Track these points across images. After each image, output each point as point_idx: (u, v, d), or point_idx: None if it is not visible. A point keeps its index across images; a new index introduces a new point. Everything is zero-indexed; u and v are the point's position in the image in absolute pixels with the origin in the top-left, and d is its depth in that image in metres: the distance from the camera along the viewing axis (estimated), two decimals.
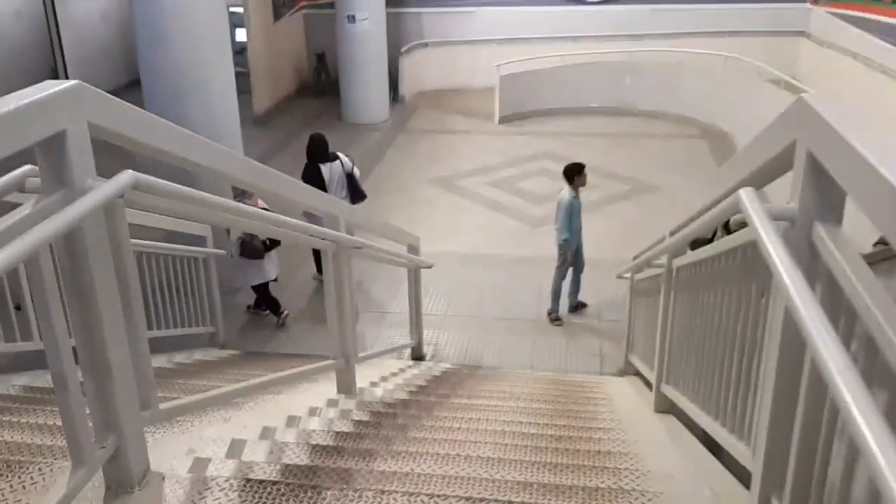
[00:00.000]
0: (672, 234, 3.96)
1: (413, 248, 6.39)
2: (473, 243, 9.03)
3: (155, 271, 5.42)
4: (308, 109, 14.61)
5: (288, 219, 3.24)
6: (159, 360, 5.25)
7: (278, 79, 14.67)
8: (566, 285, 7.46)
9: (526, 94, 13.65)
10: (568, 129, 13.12)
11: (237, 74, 14.94)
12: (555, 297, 7.41)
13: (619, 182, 10.77)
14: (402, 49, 14.81)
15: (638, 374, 5.61)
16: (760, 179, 2.01)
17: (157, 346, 5.66)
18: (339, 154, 7.96)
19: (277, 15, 14.52)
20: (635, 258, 5.88)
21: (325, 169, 7.63)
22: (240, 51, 14.69)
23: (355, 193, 7.92)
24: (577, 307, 7.59)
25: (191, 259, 6.07)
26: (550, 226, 9.43)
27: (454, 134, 13.15)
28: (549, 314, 7.41)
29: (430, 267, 6.61)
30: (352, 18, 12.98)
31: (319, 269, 6.76)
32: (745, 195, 1.75)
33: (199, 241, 6.23)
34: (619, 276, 6.38)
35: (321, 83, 15.41)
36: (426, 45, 15.45)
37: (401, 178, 11.08)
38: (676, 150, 12.08)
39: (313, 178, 7.48)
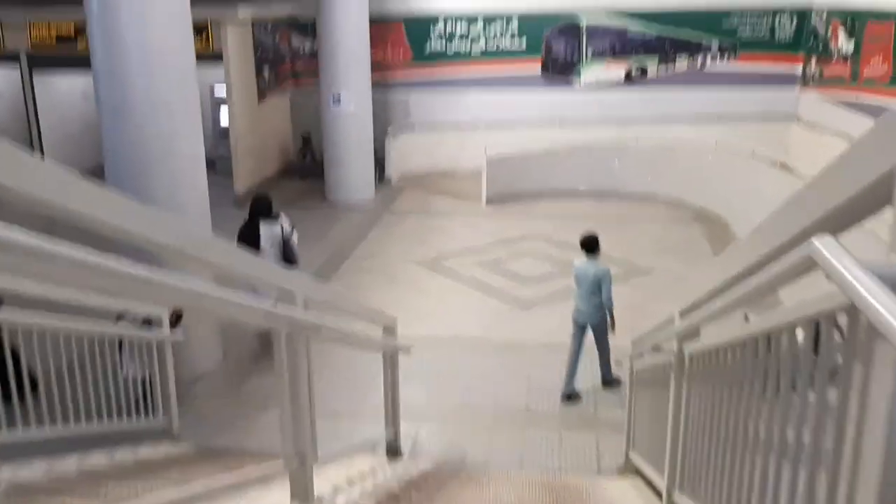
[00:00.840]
0: (683, 314, 3.44)
1: (389, 331, 5.82)
2: (459, 326, 8.48)
3: (98, 356, 4.83)
4: (291, 190, 14.27)
5: (211, 289, 2.68)
6: (98, 458, 4.59)
7: (262, 159, 14.39)
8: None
9: (514, 176, 13.39)
10: (556, 212, 12.79)
11: (221, 158, 14.82)
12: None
13: (610, 264, 10.29)
14: (389, 130, 14.63)
15: (640, 472, 5.01)
16: (837, 222, 1.48)
17: (100, 440, 5.02)
18: (282, 214, 7.90)
19: (262, 95, 14.37)
20: (634, 343, 5.34)
21: (265, 228, 7.48)
22: (224, 133, 14.52)
23: (288, 259, 7.75)
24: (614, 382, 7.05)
25: (141, 342, 5.48)
26: (539, 308, 8.95)
27: (441, 215, 12.80)
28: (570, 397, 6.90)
29: (408, 351, 6.03)
30: (336, 99, 12.81)
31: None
32: (825, 245, 1.24)
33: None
34: (617, 363, 5.82)
35: (306, 164, 15.15)
36: (413, 127, 15.30)
37: (384, 259, 10.61)
38: (669, 233, 11.72)
39: (249, 235, 7.44)
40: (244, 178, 13.57)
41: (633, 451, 5.41)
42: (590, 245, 7.02)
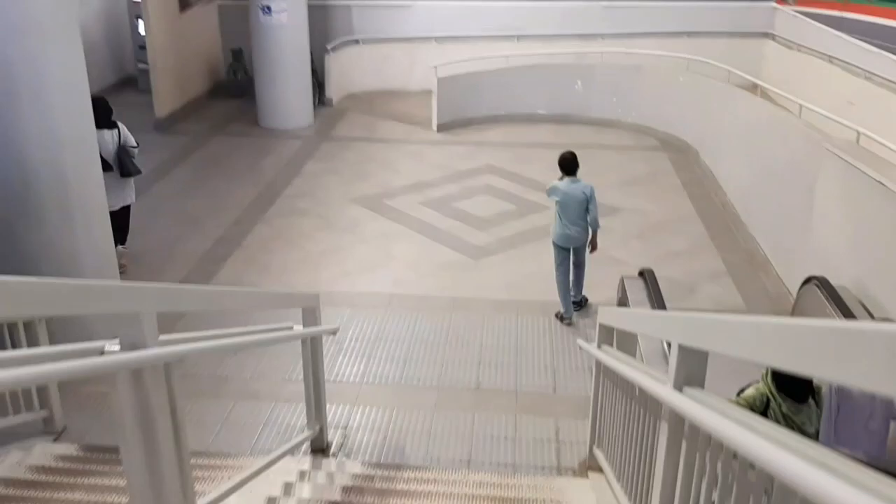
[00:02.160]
0: (685, 351, 2.49)
1: (310, 312, 4.80)
2: (402, 281, 7.49)
3: None
4: (221, 113, 12.86)
5: None
6: None
7: (187, 78, 12.85)
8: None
9: (467, 99, 12.16)
10: (513, 139, 11.68)
11: (143, 73, 13.23)
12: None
13: None
14: (329, 46, 13.15)
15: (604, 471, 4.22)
16: None
17: None
18: (120, 124, 7.34)
19: (184, 5, 12.70)
20: (602, 327, 4.42)
21: (100, 135, 6.57)
22: (142, 45, 12.89)
23: (127, 171, 7.34)
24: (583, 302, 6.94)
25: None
26: (494, 257, 8.00)
27: (386, 143, 11.57)
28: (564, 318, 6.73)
29: (333, 333, 5.03)
30: (267, 10, 11.29)
31: None
32: None
33: None
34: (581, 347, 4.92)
35: (238, 83, 13.64)
36: (357, 41, 13.82)
37: (321, 197, 9.46)
38: (635, 163, 10.75)
39: None
40: (166, 99, 12.10)
41: (597, 447, 4.60)
42: (571, 165, 6.64)
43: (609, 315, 4.40)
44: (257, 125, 12.09)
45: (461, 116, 12.09)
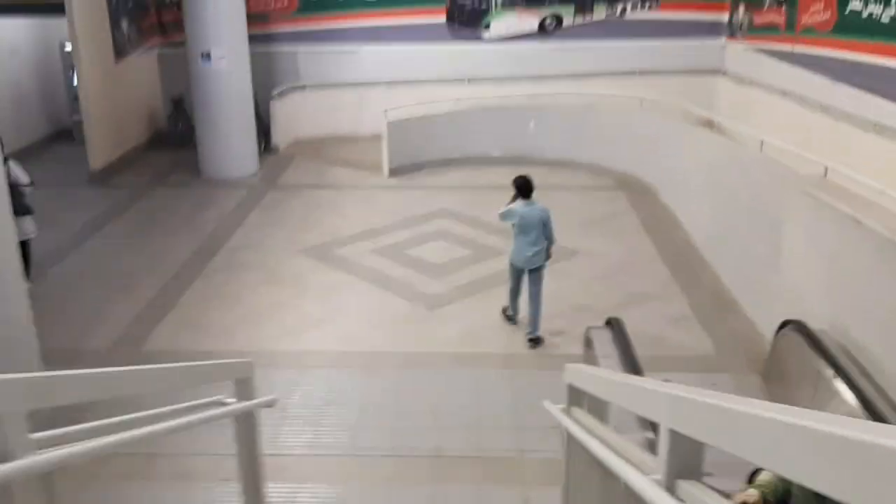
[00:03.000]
0: (675, 433, 2.06)
1: (243, 384, 4.25)
2: (352, 336, 6.96)
3: None
4: (161, 164, 12.29)
5: None
6: None
7: (123, 128, 12.28)
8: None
9: (419, 143, 11.81)
10: (467, 182, 11.33)
11: (78, 125, 12.59)
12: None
13: None
14: (275, 92, 12.74)
15: None
16: None
17: None
18: (11, 161, 7.14)
19: (120, 53, 12.18)
20: (572, 389, 3.96)
21: None
22: (77, 97, 12.29)
23: (22, 210, 7.08)
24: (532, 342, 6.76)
25: None
26: (450, 307, 7.53)
27: (335, 189, 11.11)
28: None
29: (270, 405, 4.48)
30: (206, 57, 10.85)
31: None
32: None
33: None
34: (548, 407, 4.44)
35: (179, 132, 13.09)
36: (303, 87, 13.44)
37: (266, 249, 8.91)
38: (593, 204, 10.45)
39: None
40: (101, 150, 11.50)
41: None
42: (528, 187, 6.70)
43: (578, 376, 3.95)
44: (199, 176, 11.54)
45: (413, 160, 11.72)
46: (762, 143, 7.16)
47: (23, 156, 10.65)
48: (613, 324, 5.11)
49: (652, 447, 3.91)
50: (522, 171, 11.61)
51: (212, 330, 7.03)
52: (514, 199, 6.66)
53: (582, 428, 3.61)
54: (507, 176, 11.47)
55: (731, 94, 12.52)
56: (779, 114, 10.35)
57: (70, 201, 10.47)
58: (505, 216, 6.71)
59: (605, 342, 4.98)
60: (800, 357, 5.04)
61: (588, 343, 5.30)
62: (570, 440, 4.04)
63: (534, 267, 6.68)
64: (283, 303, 7.56)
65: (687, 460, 2.03)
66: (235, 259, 8.59)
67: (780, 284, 6.13)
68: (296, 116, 13.18)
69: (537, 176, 11.44)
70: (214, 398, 4.19)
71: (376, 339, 6.90)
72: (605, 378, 3.32)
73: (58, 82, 13.69)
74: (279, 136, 12.77)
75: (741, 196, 7.20)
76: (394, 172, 11.52)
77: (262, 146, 12.32)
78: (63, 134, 13.80)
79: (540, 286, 6.78)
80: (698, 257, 8.37)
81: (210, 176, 11.39)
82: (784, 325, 5.38)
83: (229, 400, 4.24)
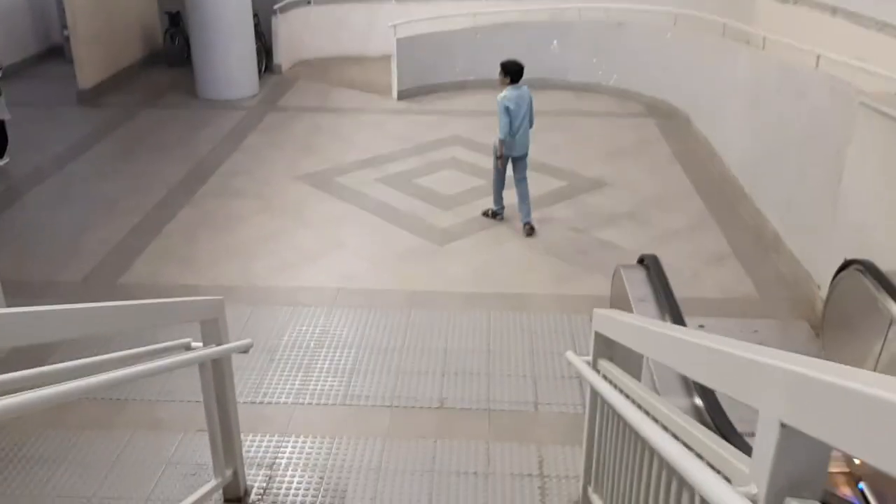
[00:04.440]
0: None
1: (212, 326, 3.57)
2: (353, 273, 6.28)
3: None
4: (156, 83, 11.49)
5: None
6: None
7: (116, 45, 11.44)
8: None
9: (431, 63, 10.89)
10: (483, 107, 10.40)
11: (67, 40, 11.75)
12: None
13: (551, 176, 8.19)
14: (277, 7, 11.78)
15: None
16: None
17: None
18: None
19: None
20: (599, 338, 3.26)
21: None
22: None
23: None
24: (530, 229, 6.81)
25: None
26: (460, 241, 6.82)
27: (340, 113, 10.29)
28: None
29: (245, 351, 3.81)
30: None
31: None
32: None
33: None
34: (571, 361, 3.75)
35: (176, 50, 12.23)
36: (308, 2, 12.45)
37: (261, 175, 8.18)
38: (620, 131, 9.59)
39: None
40: (91, 68, 10.70)
41: (593, 489, 3.48)
42: (519, 70, 6.59)
43: (609, 323, 3.24)
44: (195, 96, 10.74)
45: (425, 83, 10.83)
46: (818, 58, 6.25)
47: (10, 74, 9.90)
48: (648, 262, 4.38)
49: (700, 416, 3.18)
50: (544, 94, 10.82)
51: (197, 262, 6.38)
52: (504, 83, 6.55)
53: (613, 387, 2.92)
54: None
55: (772, 14, 11.39)
56: (826, 34, 9.31)
57: (55, 122, 9.75)
58: (505, 103, 6.49)
59: (638, 283, 4.25)
60: (865, 301, 4.30)
61: (617, 284, 4.58)
62: (596, 398, 3.38)
63: (525, 152, 6.75)
64: (277, 234, 6.88)
65: (804, 472, 1.35)
66: (228, 185, 7.88)
67: (838, 219, 5.34)
68: (299, 35, 12.25)
69: (560, 102, 10.65)
70: (181, 341, 3.55)
71: (379, 276, 6.22)
72: (648, 331, 2.59)
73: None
74: (281, 56, 11.89)
75: (793, 120, 6.34)
76: (403, 95, 10.65)
77: (263, 66, 11.46)
78: (54, 51, 13.00)
79: (527, 184, 6.85)
80: (737, 190, 7.55)
81: (207, 97, 10.60)
82: (846, 265, 4.62)
83: (197, 344, 3.60)
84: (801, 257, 6.07)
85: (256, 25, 11.01)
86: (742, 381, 1.49)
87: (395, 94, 10.66)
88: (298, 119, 9.96)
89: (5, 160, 8.10)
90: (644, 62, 10.47)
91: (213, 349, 3.53)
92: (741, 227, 7.01)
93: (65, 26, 11.87)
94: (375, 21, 12.21)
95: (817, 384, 1.11)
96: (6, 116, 7.86)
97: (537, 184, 7.97)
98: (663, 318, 3.94)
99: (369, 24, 12.42)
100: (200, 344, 3.57)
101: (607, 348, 3.41)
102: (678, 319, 3.78)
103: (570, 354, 3.72)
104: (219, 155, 8.65)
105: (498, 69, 6.71)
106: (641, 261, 4.53)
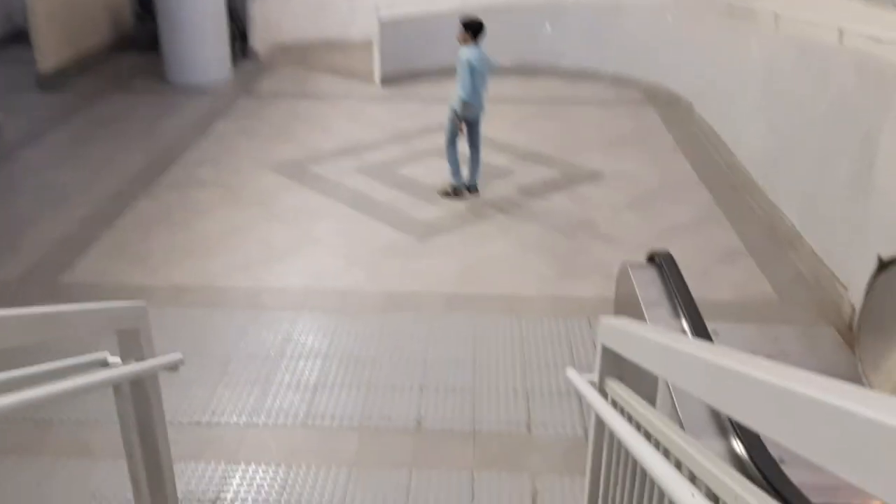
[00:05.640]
0: None
1: (131, 337, 2.91)
2: (323, 271, 5.63)
3: None
4: (123, 68, 10.78)
5: None
6: None
7: (80, 26, 10.70)
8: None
9: (416, 47, 10.21)
10: None
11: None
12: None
13: (544, 166, 7.56)
14: None
15: None
16: None
17: None
18: None
19: None
20: (605, 347, 2.63)
21: None
22: None
23: None
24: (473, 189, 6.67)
25: None
26: (444, 235, 6.17)
27: (318, 99, 9.61)
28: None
29: (174, 368, 3.15)
30: None
31: None
32: None
33: None
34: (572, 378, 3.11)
35: (147, 33, 11.48)
36: None
37: (228, 163, 7.51)
38: (618, 120, 8.96)
39: None
40: (52, 51, 9.97)
41: None
42: (481, 26, 6.32)
43: (619, 336, 2.61)
44: (164, 81, 10.03)
45: (409, 68, 10.16)
46: (841, 32, 5.60)
47: None
48: (660, 260, 3.75)
49: (742, 466, 2.55)
50: (537, 81, 10.20)
51: (150, 259, 5.70)
52: (466, 41, 6.27)
53: (625, 417, 2.29)
54: (517, 88, 10.05)
55: None
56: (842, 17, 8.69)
57: (12, 107, 9.01)
58: (470, 62, 6.16)
59: (648, 284, 3.62)
60: None
61: (624, 285, 3.95)
62: (603, 427, 2.74)
63: (478, 116, 6.46)
64: (242, 228, 6.21)
65: None
66: (192, 175, 7.20)
67: (870, 213, 4.72)
68: (277, 18, 11.54)
69: (554, 89, 10.01)
70: (95, 356, 2.89)
71: (353, 275, 5.57)
72: (677, 349, 1.95)
73: None
74: (258, 40, 11.19)
75: (815, 103, 5.71)
76: (386, 81, 9.98)
77: (239, 51, 10.77)
78: (21, 35, 12.23)
79: (480, 150, 6.66)
80: (748, 181, 6.93)
81: (176, 81, 9.89)
82: (886, 264, 4.00)
83: (114, 359, 2.94)
84: (824, 254, 5.45)
85: (232, 7, 10.32)
86: (809, 430, 0.86)
87: (377, 79, 9.99)
88: (273, 105, 9.28)
89: None
90: (643, 46, 9.84)
91: (131, 367, 2.86)
92: (753, 220, 6.39)
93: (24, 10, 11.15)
94: (358, 4, 11.51)
95: None
96: None
97: (527, 172, 7.34)
98: (681, 328, 3.31)
99: (351, 8, 11.73)
100: (117, 359, 2.91)
101: (616, 366, 2.79)
102: (701, 330, 3.15)
103: (571, 373, 3.08)
104: (184, 143, 7.96)
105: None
106: (652, 258, 3.89)
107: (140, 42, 11.49)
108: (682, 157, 7.75)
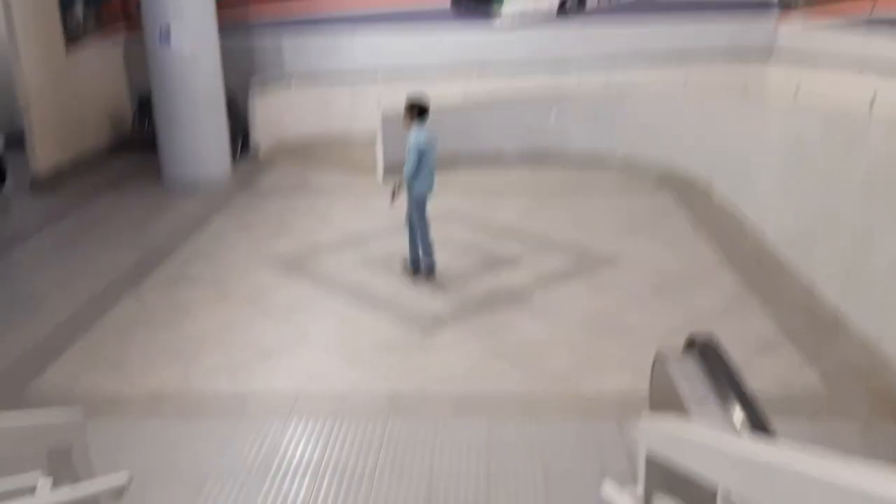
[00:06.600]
0: None
1: (63, 457, 2.36)
2: (317, 371, 5.07)
3: None
4: (120, 169, 10.58)
5: None
6: None
7: (76, 128, 10.59)
8: None
9: None
10: (478, 184, 9.49)
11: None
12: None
13: (557, 251, 7.09)
14: (255, 89, 11.00)
15: None
16: None
17: None
18: None
19: (73, 42, 10.52)
20: (650, 458, 2.07)
21: None
22: None
23: None
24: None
25: None
26: (450, 331, 5.63)
27: (319, 193, 9.29)
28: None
29: (118, 495, 2.56)
30: (165, 35, 9.13)
31: None
32: None
33: None
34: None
35: (146, 135, 11.35)
36: (288, 80, 11.71)
37: (222, 260, 7.08)
38: (631, 206, 8.56)
39: None
40: (46, 152, 9.81)
41: None
42: (426, 108, 6.13)
43: (668, 440, 2.07)
44: (160, 181, 9.77)
45: None
46: (874, 96, 5.24)
47: None
48: (703, 346, 3.20)
49: None
50: (544, 170, 9.90)
51: (127, 365, 5.16)
52: (411, 122, 6.06)
53: None
54: (524, 176, 9.75)
55: (788, 79, 10.62)
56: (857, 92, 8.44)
57: (2, 209, 8.74)
58: (420, 145, 5.99)
59: (692, 377, 3.06)
60: None
61: (660, 378, 3.38)
62: None
63: (429, 193, 6.32)
64: (231, 327, 5.69)
65: None
66: (181, 272, 6.75)
67: None
68: (279, 116, 11.43)
69: (562, 179, 9.70)
70: (22, 479, 2.35)
71: (350, 375, 5.00)
72: (753, 457, 1.43)
73: (9, 82, 12.06)
74: (260, 138, 11.01)
75: (849, 173, 5.28)
76: (390, 173, 9.67)
77: (240, 148, 10.58)
78: (19, 139, 12.16)
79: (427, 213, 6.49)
80: (777, 262, 6.43)
81: (173, 179, 9.63)
82: None
83: (46, 481, 2.38)
84: (875, 339, 4.87)
85: (233, 106, 10.20)
86: None
87: (380, 172, 9.70)
88: (273, 200, 8.95)
89: None
90: (652, 131, 9.57)
91: (62, 495, 2.30)
92: (788, 304, 5.84)
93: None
94: (359, 101, 11.45)
95: None
96: None
97: (539, 261, 6.87)
98: (736, 429, 2.73)
99: (352, 104, 11.65)
100: (48, 481, 2.36)
101: (664, 476, 2.24)
102: (764, 431, 2.57)
103: (608, 489, 2.50)
104: (176, 240, 7.56)
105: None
106: (692, 343, 3.34)
107: (139, 144, 11.34)
108: (703, 240, 7.28)
